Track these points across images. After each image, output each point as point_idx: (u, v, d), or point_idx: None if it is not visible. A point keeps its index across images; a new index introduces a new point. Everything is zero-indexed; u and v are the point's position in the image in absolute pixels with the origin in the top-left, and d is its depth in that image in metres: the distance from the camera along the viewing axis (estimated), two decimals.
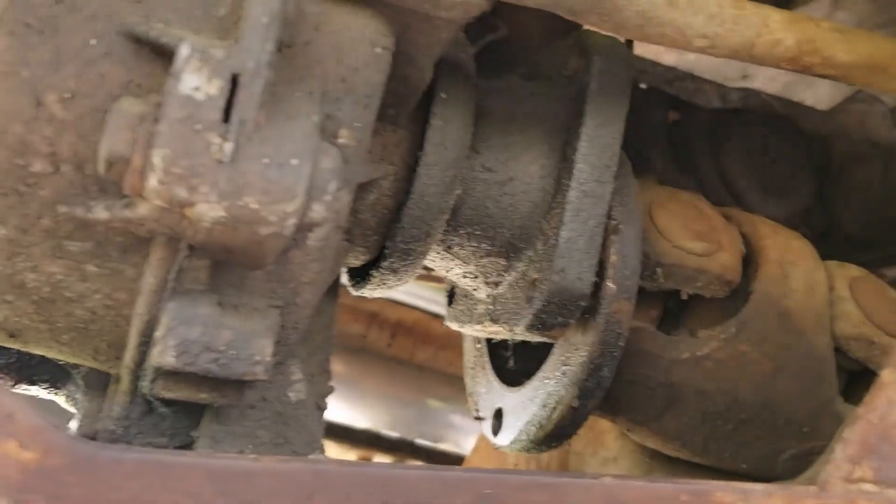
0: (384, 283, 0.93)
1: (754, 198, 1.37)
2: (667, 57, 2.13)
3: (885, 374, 0.71)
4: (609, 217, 0.91)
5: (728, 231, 1.02)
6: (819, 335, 0.99)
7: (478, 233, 0.92)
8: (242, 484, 0.63)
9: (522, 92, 0.97)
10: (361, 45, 0.70)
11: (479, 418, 1.09)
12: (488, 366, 1.10)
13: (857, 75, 0.88)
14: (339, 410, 2.24)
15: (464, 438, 2.22)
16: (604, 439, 1.23)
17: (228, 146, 0.57)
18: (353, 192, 0.72)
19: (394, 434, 2.27)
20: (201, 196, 0.58)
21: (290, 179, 0.59)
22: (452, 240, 0.93)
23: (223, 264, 0.69)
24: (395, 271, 0.90)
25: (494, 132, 0.92)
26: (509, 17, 1.15)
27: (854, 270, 1.07)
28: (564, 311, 0.88)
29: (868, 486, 0.70)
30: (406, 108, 0.84)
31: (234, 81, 0.59)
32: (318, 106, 0.64)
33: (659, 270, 0.97)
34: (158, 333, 0.68)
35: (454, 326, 1.07)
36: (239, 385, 0.72)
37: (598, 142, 0.89)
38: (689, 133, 1.40)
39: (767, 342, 0.97)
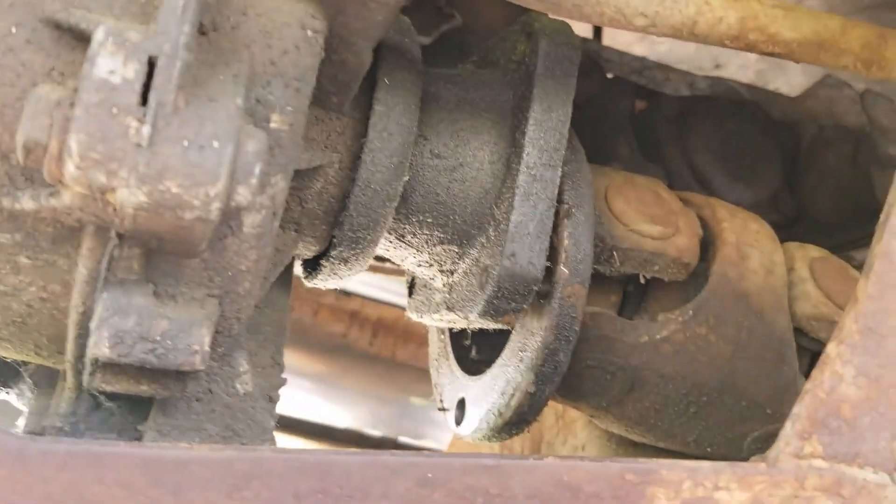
0: (335, 274, 0.92)
1: (722, 184, 1.37)
2: (638, 47, 2.13)
3: (831, 348, 0.70)
4: (561, 201, 0.90)
5: (685, 214, 1.01)
6: (778, 316, 0.99)
7: (429, 220, 0.91)
8: (176, 473, 0.62)
9: (472, 79, 0.96)
10: (291, 28, 0.69)
11: (443, 409, 1.08)
12: (451, 356, 1.09)
13: (803, 52, 0.88)
14: (320, 410, 2.23)
15: (447, 435, 2.21)
16: (573, 428, 1.22)
17: (146, 129, 0.57)
18: (289, 178, 0.72)
19: (376, 433, 2.26)
20: (121, 181, 0.58)
21: (212, 162, 0.59)
22: (404, 228, 0.92)
23: (157, 253, 0.68)
24: (345, 261, 0.90)
25: (443, 119, 0.92)
26: (464, 7, 1.14)
27: (814, 251, 1.07)
28: (517, 296, 0.88)
29: (818, 462, 0.70)
30: (348, 95, 0.83)
31: (152, 64, 0.58)
32: (244, 89, 0.63)
33: (615, 254, 0.96)
34: (93, 324, 0.68)
35: (414, 317, 1.06)
36: (179, 376, 0.71)
37: (546, 125, 0.88)
38: (656, 121, 1.40)
39: (726, 324, 0.97)
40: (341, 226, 0.86)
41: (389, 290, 2.30)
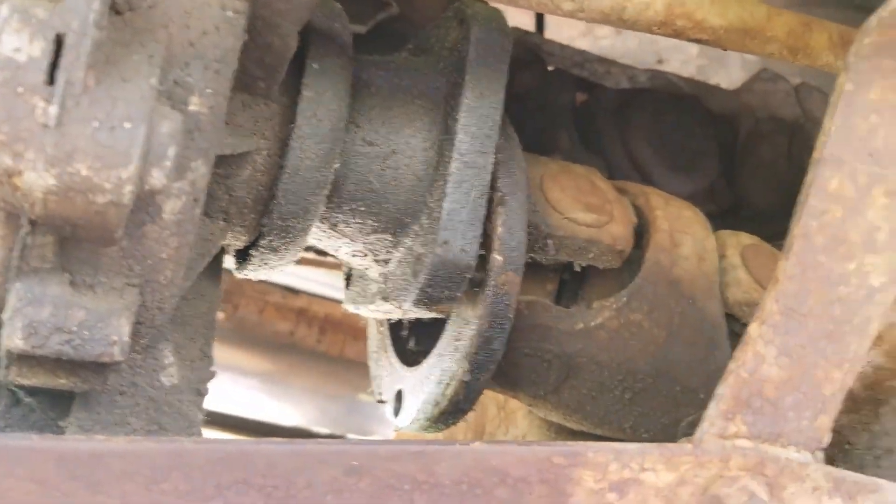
0: (266, 263, 0.90)
1: (660, 175, 1.38)
2: (581, 42, 2.15)
3: (753, 329, 0.71)
4: (495, 189, 0.90)
5: (620, 203, 1.02)
6: (710, 302, 1.00)
7: (362, 209, 0.90)
8: (92, 466, 0.60)
9: (406, 66, 0.96)
10: (211, 8, 0.67)
11: (381, 401, 1.07)
12: (390, 348, 1.09)
13: (730, 39, 0.89)
14: (267, 409, 2.20)
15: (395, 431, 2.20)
16: (514, 418, 1.22)
17: (53, 109, 0.55)
18: (211, 164, 0.70)
19: (324, 430, 2.24)
20: (28, 163, 0.56)
21: (123, 143, 0.57)
22: (337, 217, 0.91)
23: (72, 241, 0.66)
24: (275, 250, 0.88)
25: (375, 106, 0.91)
26: None
27: (746, 238, 1.08)
28: (450, 284, 0.87)
29: (742, 442, 0.70)
30: (275, 80, 0.82)
31: (60, 42, 0.56)
32: (159, 69, 0.62)
33: (550, 242, 0.96)
34: (5, 315, 0.65)
35: (351, 309, 1.05)
36: (98, 368, 0.69)
37: (478, 112, 0.88)
38: (597, 114, 1.41)
39: (659, 310, 0.98)
40: (270, 214, 0.85)
41: (336, 286, 2.28)
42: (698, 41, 0.88)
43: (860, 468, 0.90)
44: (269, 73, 0.81)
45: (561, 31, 1.97)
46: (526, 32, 1.47)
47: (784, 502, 0.69)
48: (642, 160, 1.40)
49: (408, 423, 1.00)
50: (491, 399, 1.28)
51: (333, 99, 0.84)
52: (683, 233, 1.03)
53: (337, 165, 0.87)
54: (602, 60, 1.53)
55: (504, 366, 0.96)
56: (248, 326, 2.22)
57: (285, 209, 0.85)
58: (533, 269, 0.99)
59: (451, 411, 0.94)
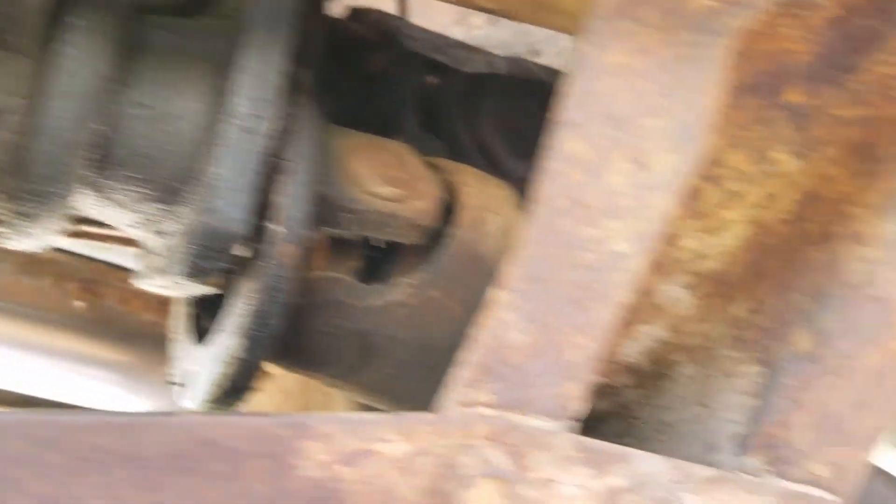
0: (25, 232, 0.85)
1: (507, 161, 1.37)
2: (455, 30, 2.13)
3: (496, 294, 0.69)
4: (280, 158, 0.87)
5: (427, 179, 1.00)
6: None
7: (136, 175, 0.86)
8: None
9: (196, 29, 0.91)
10: None
11: (173, 383, 1.03)
12: (188, 327, 1.04)
13: (518, 11, 0.88)
14: (120, 402, 2.11)
15: None
16: (332, 403, 1.19)
17: None
18: None
19: None
20: None
21: None
22: (106, 183, 0.86)
23: None
24: (31, 217, 0.83)
25: (154, 67, 0.86)
26: None
27: None
28: (219, 254, 0.84)
29: (486, 410, 0.69)
30: (25, 34, 0.77)
31: None
32: None
33: (346, 216, 0.94)
34: None
35: (138, 284, 1.00)
36: None
37: (257, 76, 0.85)
38: (448, 97, 1.39)
39: (460, 287, 0.96)
40: (25, 178, 0.80)
41: None
42: (486, 10, 0.87)
43: (644, 442, 0.90)
44: (18, 27, 0.76)
45: (433, 18, 1.95)
46: (385, 14, 1.44)
47: (528, 470, 0.68)
48: (489, 145, 1.38)
49: (197, 404, 0.96)
50: (315, 385, 1.25)
51: (94, 56, 0.80)
52: (491, 211, 1.01)
53: (102, 128, 0.82)
54: (463, 46, 1.51)
55: (298, 344, 0.93)
56: (112, 317, 2.13)
57: (39, 172, 0.80)
58: (337, 246, 0.97)
59: (231, 390, 0.90)
